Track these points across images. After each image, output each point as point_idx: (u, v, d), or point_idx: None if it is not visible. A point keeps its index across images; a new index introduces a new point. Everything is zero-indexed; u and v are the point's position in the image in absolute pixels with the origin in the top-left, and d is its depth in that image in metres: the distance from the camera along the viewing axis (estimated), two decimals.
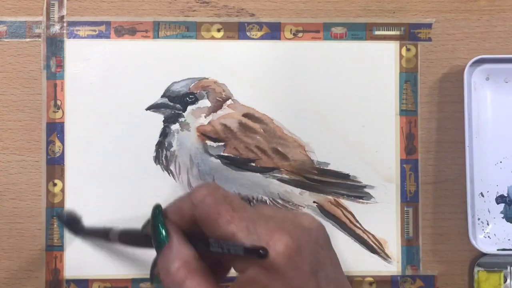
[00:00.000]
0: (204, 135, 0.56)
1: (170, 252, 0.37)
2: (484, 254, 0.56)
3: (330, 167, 0.57)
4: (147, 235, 0.40)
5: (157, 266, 0.38)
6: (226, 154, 0.56)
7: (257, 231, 0.35)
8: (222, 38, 0.57)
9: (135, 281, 0.56)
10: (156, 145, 0.56)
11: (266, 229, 0.35)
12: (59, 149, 0.56)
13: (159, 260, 0.38)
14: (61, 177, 0.56)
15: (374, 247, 0.57)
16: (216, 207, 0.36)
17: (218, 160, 0.56)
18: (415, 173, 0.57)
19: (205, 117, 0.57)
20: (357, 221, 0.57)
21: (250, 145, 0.56)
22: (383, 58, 0.57)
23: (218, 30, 0.57)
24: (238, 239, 0.35)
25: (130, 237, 0.45)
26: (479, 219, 0.56)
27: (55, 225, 0.56)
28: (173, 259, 0.37)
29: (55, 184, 0.56)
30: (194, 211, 0.37)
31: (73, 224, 0.52)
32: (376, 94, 0.57)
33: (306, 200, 0.57)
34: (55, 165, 0.56)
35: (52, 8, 0.57)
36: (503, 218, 0.57)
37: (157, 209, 0.39)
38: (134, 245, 0.46)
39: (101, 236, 0.49)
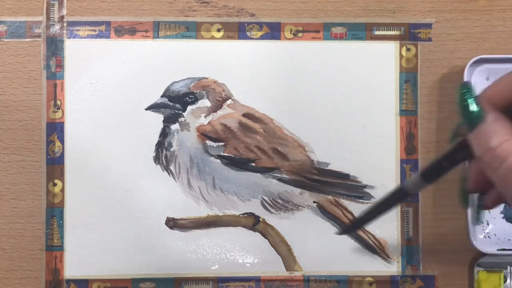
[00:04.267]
0: (204, 135, 0.56)
1: (488, 128, 0.34)
2: (484, 254, 0.56)
3: (330, 167, 0.57)
4: (456, 146, 0.37)
5: (472, 144, 0.35)
6: (226, 154, 0.56)
7: None
8: (222, 38, 0.57)
9: (135, 281, 0.56)
10: (156, 145, 0.56)
11: None
12: (59, 149, 0.56)
13: (473, 138, 0.34)
14: (61, 177, 0.56)
15: (374, 247, 0.57)
16: None
17: (218, 160, 0.56)
18: (415, 173, 0.57)
19: (205, 117, 0.57)
20: None
21: (250, 145, 0.56)
22: (383, 58, 0.57)
23: (218, 30, 0.57)
24: None
25: (435, 170, 0.40)
26: None
27: (55, 225, 0.56)
28: (492, 134, 0.33)
29: (55, 184, 0.56)
30: None
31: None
32: (376, 94, 0.57)
33: (306, 200, 0.57)
34: (55, 165, 0.56)
35: (52, 8, 0.57)
36: (503, 218, 0.57)
37: (465, 86, 0.35)
38: (442, 173, 0.40)
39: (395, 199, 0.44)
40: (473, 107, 0.35)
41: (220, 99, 0.57)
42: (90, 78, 0.57)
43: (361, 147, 0.57)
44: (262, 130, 0.57)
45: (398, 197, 0.43)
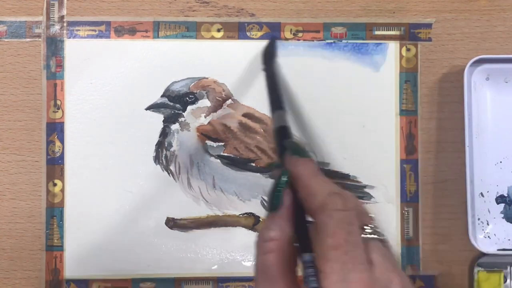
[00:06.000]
0: (204, 135, 0.56)
1: (274, 220, 0.36)
2: (484, 254, 0.56)
3: (330, 167, 0.57)
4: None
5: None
6: (226, 154, 0.56)
7: (349, 278, 0.32)
8: (222, 38, 0.57)
9: (135, 281, 0.56)
10: (156, 145, 0.56)
11: (358, 279, 0.32)
12: (59, 149, 0.56)
13: (265, 220, 0.37)
14: (61, 177, 0.56)
15: None
16: (341, 229, 0.33)
17: (218, 160, 0.56)
18: (415, 173, 0.57)
19: (205, 117, 0.57)
20: None
21: (250, 145, 0.56)
22: (383, 58, 0.57)
23: (218, 30, 0.57)
24: (326, 276, 0.32)
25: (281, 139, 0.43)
26: (479, 219, 0.56)
27: (55, 225, 0.56)
28: (271, 229, 0.36)
29: (55, 184, 0.56)
30: (316, 211, 0.35)
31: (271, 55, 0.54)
32: (376, 94, 0.57)
33: None
34: (55, 165, 0.56)
35: (52, 8, 0.57)
36: (503, 218, 0.57)
37: (284, 176, 0.37)
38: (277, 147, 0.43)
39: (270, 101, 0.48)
40: (278, 198, 0.37)
41: (220, 99, 0.57)
42: (90, 78, 0.57)
43: (361, 147, 0.57)
44: (262, 130, 0.57)
45: (271, 102, 0.47)
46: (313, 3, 0.57)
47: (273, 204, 0.37)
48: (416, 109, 0.57)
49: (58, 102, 0.56)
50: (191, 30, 0.57)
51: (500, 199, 0.57)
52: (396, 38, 0.57)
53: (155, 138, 0.56)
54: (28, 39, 0.57)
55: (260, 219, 0.57)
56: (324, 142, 0.57)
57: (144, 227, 0.56)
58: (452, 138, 0.57)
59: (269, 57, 0.55)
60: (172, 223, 0.56)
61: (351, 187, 0.57)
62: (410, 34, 0.57)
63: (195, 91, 0.57)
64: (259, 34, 0.57)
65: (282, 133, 0.43)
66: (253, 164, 0.56)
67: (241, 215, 0.57)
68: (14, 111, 0.56)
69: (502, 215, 0.57)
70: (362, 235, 0.34)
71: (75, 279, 0.56)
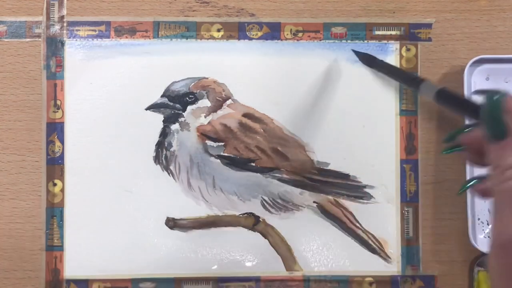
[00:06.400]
0: (204, 135, 0.56)
1: (508, 147, 0.35)
2: (484, 254, 0.56)
3: (330, 167, 0.57)
4: (469, 104, 0.41)
5: (491, 152, 0.36)
6: (226, 154, 0.56)
7: None
8: (222, 38, 0.57)
9: (135, 281, 0.56)
10: (156, 145, 0.56)
11: None
12: (59, 149, 0.56)
13: (492, 152, 0.36)
14: (61, 177, 0.56)
15: (374, 247, 0.57)
16: None
17: (218, 160, 0.56)
18: (415, 173, 0.57)
19: (205, 117, 0.57)
20: (357, 221, 0.57)
21: (250, 145, 0.56)
22: (383, 58, 0.57)
23: (218, 30, 0.57)
24: None
25: (448, 99, 0.44)
26: (479, 219, 0.56)
27: (55, 225, 0.56)
28: (509, 155, 0.35)
29: (55, 184, 0.56)
30: None
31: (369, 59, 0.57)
32: (376, 94, 0.57)
33: (306, 200, 0.57)
34: (55, 165, 0.56)
35: (52, 8, 0.57)
36: None
37: (503, 96, 0.36)
38: (450, 106, 0.44)
39: (408, 82, 0.54)
40: (502, 123, 0.35)
41: (220, 99, 0.57)
42: (90, 78, 0.57)
43: (361, 147, 0.57)
44: (262, 130, 0.57)
45: (410, 81, 0.53)
46: (313, 3, 0.57)
47: (498, 130, 0.35)
48: (416, 109, 0.57)
49: (58, 102, 0.56)
50: (191, 30, 0.57)
51: None
52: (396, 38, 0.57)
53: (155, 138, 0.56)
54: (28, 39, 0.57)
55: (260, 219, 0.57)
56: (324, 142, 0.57)
57: (144, 227, 0.56)
58: None
59: (371, 61, 0.57)
60: (172, 223, 0.56)
61: (351, 187, 0.57)
62: (410, 34, 0.57)
63: (195, 91, 0.57)
64: (259, 34, 0.57)
65: (444, 93, 0.46)
66: (253, 164, 0.56)
67: (241, 215, 0.57)
68: (14, 111, 0.56)
69: None
70: None
71: (75, 279, 0.56)
